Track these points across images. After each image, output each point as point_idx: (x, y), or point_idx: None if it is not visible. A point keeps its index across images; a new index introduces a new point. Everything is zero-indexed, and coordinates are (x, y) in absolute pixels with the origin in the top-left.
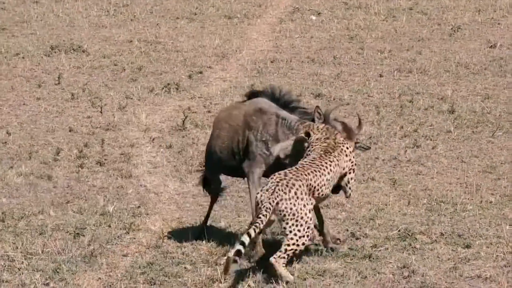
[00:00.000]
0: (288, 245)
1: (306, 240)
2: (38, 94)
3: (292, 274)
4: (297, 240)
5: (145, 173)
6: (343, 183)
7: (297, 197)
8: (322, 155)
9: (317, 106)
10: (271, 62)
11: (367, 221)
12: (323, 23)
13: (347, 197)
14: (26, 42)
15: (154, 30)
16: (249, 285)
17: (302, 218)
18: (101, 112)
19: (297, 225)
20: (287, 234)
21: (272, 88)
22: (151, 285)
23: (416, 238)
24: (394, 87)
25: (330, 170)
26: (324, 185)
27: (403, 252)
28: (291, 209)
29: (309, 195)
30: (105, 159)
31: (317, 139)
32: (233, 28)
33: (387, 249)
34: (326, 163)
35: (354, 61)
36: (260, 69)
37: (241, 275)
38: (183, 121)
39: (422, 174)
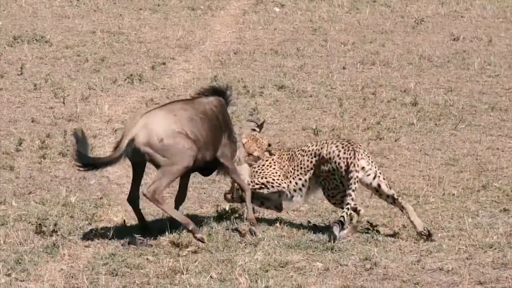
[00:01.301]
0: None
1: None
2: (1, 84)
3: (254, 266)
4: None
5: None
6: None
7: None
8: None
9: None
10: (234, 53)
11: (329, 213)
12: (286, 15)
13: None
14: None
15: (117, 21)
16: (211, 277)
17: None
18: (63, 103)
19: None
20: None
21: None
22: (113, 276)
23: (378, 231)
24: (357, 80)
25: None
26: None
27: (365, 244)
28: None
29: None
30: (67, 150)
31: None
32: (196, 20)
33: (349, 241)
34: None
35: (318, 53)
36: (223, 61)
37: (204, 267)
38: None
39: (385, 166)
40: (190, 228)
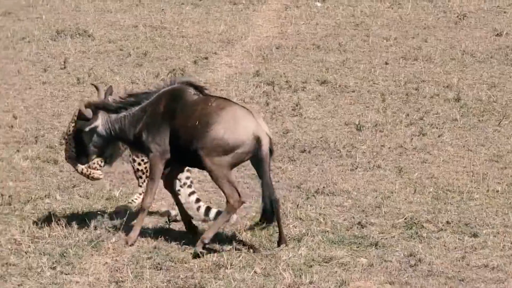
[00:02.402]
0: None
1: None
2: (44, 78)
3: (298, 261)
4: None
5: None
6: None
7: None
8: None
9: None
10: (277, 48)
11: (373, 209)
12: (328, 9)
13: None
14: (32, 26)
15: (159, 15)
16: (255, 272)
17: None
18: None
19: None
20: None
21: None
22: (158, 270)
23: (422, 226)
24: (400, 75)
25: None
26: None
27: (409, 240)
28: None
29: None
30: None
31: None
32: (238, 14)
33: (393, 237)
34: None
35: (360, 48)
36: (265, 56)
37: (248, 262)
38: None
39: (428, 162)
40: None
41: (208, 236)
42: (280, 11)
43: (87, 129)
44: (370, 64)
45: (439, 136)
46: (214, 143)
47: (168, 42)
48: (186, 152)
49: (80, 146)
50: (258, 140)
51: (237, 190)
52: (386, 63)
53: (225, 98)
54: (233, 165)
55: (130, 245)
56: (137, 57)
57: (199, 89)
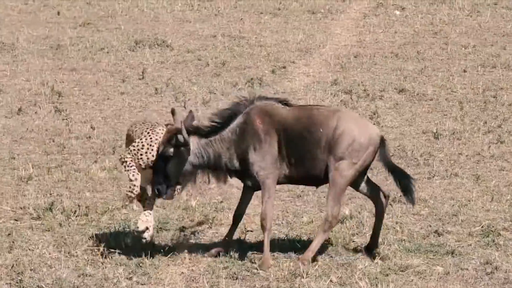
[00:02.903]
0: None
1: None
2: (122, 88)
3: (374, 270)
4: None
5: None
6: None
7: None
8: None
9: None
10: (355, 57)
11: (450, 217)
12: (407, 18)
13: None
14: (110, 37)
15: (238, 25)
16: (331, 281)
17: None
18: (184, 107)
19: None
20: None
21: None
22: (234, 279)
23: (499, 234)
24: (478, 83)
25: None
26: None
27: (486, 248)
28: None
29: None
30: None
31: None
32: (316, 23)
33: (470, 245)
34: None
35: (438, 56)
36: (344, 64)
37: (324, 271)
38: None
39: (505, 170)
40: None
41: (307, 257)
42: (358, 20)
43: (175, 155)
44: (448, 72)
45: None
46: (350, 148)
47: (246, 51)
48: (301, 167)
49: (162, 175)
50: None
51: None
52: (465, 71)
53: (318, 105)
54: (358, 173)
55: (268, 268)
56: (215, 67)
57: (283, 102)
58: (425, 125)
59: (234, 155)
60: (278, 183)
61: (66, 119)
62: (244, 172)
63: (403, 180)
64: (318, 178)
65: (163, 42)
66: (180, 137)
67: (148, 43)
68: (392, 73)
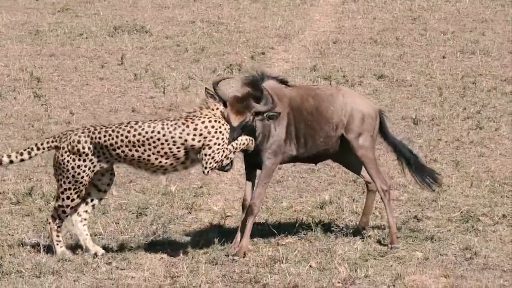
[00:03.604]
0: (57, 199)
1: (74, 196)
2: (101, 74)
3: (354, 255)
4: (61, 193)
5: None
6: (199, 156)
7: (68, 150)
8: (154, 119)
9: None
10: (334, 43)
11: (429, 203)
12: (385, 4)
13: (203, 172)
14: (89, 23)
15: (216, 11)
16: (310, 266)
17: (68, 171)
18: (163, 93)
19: (62, 177)
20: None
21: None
22: (213, 265)
23: (479, 220)
24: (457, 69)
25: (137, 134)
26: (125, 147)
27: (465, 234)
28: (56, 159)
29: (97, 154)
30: None
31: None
32: (295, 9)
33: (449, 230)
34: (139, 126)
35: (417, 42)
36: (323, 50)
37: (303, 256)
38: None
39: (485, 156)
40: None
41: (394, 231)
42: (337, 6)
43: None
44: (428, 58)
45: (496, 130)
46: (365, 121)
47: (225, 37)
48: (310, 146)
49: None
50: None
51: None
52: (444, 57)
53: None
54: (374, 143)
55: (244, 256)
56: (194, 53)
57: (284, 81)
58: (405, 111)
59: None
60: (280, 163)
61: (45, 105)
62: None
63: (404, 154)
64: (325, 155)
65: (142, 28)
66: (259, 106)
67: (127, 29)
68: (371, 59)
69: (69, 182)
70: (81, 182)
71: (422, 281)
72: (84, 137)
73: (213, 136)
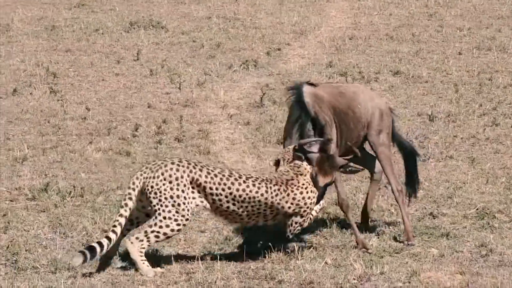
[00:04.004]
0: (151, 226)
1: (174, 225)
2: (117, 70)
3: (370, 251)
4: (160, 221)
5: (223, 150)
6: (287, 221)
7: (164, 178)
8: (261, 180)
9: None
10: (350, 39)
11: (445, 200)
12: (402, 0)
13: (287, 236)
14: (105, 18)
15: (232, 6)
16: (326, 262)
17: (167, 199)
18: (179, 89)
19: (161, 205)
20: (154, 212)
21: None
22: (229, 261)
23: (494, 217)
24: (473, 65)
25: (241, 191)
26: (223, 196)
27: (481, 231)
28: (152, 187)
29: (191, 188)
30: (183, 136)
31: (279, 170)
32: (311, 5)
33: (465, 227)
34: (243, 183)
35: (433, 38)
36: (338, 46)
37: (319, 252)
38: (261, 98)
39: (500, 152)
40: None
41: (409, 234)
42: (353, 2)
43: None
44: (444, 54)
45: (511, 126)
46: (383, 118)
47: (241, 33)
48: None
49: None
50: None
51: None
52: (460, 53)
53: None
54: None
55: (363, 248)
56: (210, 49)
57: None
58: (420, 108)
59: None
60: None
61: (61, 100)
62: None
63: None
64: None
65: (158, 23)
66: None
67: (143, 25)
68: (387, 55)
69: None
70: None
71: (437, 278)
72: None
73: (307, 207)
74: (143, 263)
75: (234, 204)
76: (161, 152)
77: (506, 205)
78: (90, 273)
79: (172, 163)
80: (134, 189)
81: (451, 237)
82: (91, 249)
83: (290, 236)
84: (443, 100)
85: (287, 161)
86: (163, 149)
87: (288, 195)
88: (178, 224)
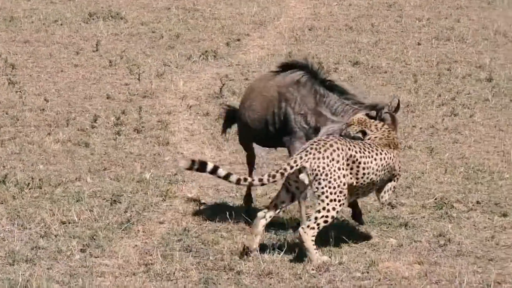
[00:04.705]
0: (319, 211)
1: (338, 207)
2: (76, 61)
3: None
4: (327, 204)
5: (182, 141)
6: (385, 188)
7: (333, 159)
8: (382, 146)
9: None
10: (309, 29)
11: (403, 190)
12: None
13: (381, 202)
14: (64, 9)
15: None
16: (284, 253)
17: (335, 180)
18: (138, 80)
19: (329, 187)
20: (318, 196)
21: (309, 62)
22: (187, 252)
23: (452, 207)
24: (432, 55)
25: (382, 160)
26: (370, 171)
27: (439, 220)
28: (324, 168)
29: (347, 168)
30: (142, 126)
31: (375, 137)
32: None
33: (423, 217)
34: (381, 152)
35: (392, 29)
36: (298, 37)
37: (277, 244)
38: (221, 88)
39: (459, 142)
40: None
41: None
42: None
43: None
44: (403, 44)
45: (470, 116)
46: None
47: (200, 24)
48: None
49: None
50: None
51: None
52: (419, 44)
53: None
54: None
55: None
56: (169, 39)
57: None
58: (379, 98)
59: None
60: None
61: (20, 92)
62: None
63: None
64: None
65: (117, 14)
66: None
67: (102, 15)
68: (346, 46)
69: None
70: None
71: (396, 268)
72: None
73: (400, 169)
74: (316, 252)
75: (376, 175)
76: (120, 143)
77: (465, 195)
78: (50, 264)
79: (335, 142)
80: (291, 168)
81: (409, 227)
82: (203, 164)
83: (388, 201)
84: (402, 90)
85: (375, 126)
86: (122, 140)
87: (397, 158)
88: (341, 205)
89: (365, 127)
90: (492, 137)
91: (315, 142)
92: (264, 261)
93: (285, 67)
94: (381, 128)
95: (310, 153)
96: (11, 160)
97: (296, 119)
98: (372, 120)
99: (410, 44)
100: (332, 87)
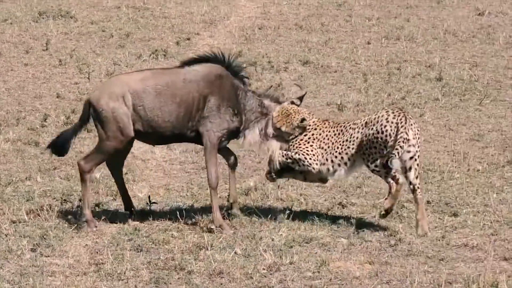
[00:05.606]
0: (417, 177)
1: None
2: (26, 60)
3: (279, 242)
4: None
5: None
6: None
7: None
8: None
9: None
10: (259, 29)
11: (354, 189)
12: None
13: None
14: (14, 8)
15: None
16: (235, 252)
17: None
18: (88, 79)
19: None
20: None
21: (223, 54)
22: (138, 251)
23: (403, 206)
24: (382, 55)
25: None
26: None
27: (390, 220)
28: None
29: None
30: (92, 126)
31: (314, 122)
32: None
33: (374, 217)
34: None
35: (342, 28)
36: (248, 36)
37: (228, 242)
38: None
39: None
40: None
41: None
42: None
43: None
44: (353, 44)
45: (420, 116)
46: None
47: (150, 23)
48: None
49: None
50: None
51: None
52: (368, 43)
53: None
54: None
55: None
56: (119, 38)
57: None
58: (330, 97)
59: None
60: None
61: None
62: None
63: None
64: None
65: (67, 13)
66: None
67: (52, 14)
68: (296, 45)
69: None
70: None
71: (346, 268)
72: None
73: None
74: None
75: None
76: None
77: None
78: (1, 264)
79: None
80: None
81: (360, 226)
82: None
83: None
84: (352, 90)
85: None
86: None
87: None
88: None
89: (303, 115)
90: (442, 136)
91: (393, 110)
92: (215, 260)
93: (190, 62)
94: (309, 113)
95: (405, 122)
96: None
97: (220, 111)
98: (299, 108)
99: (360, 43)
100: (242, 78)
